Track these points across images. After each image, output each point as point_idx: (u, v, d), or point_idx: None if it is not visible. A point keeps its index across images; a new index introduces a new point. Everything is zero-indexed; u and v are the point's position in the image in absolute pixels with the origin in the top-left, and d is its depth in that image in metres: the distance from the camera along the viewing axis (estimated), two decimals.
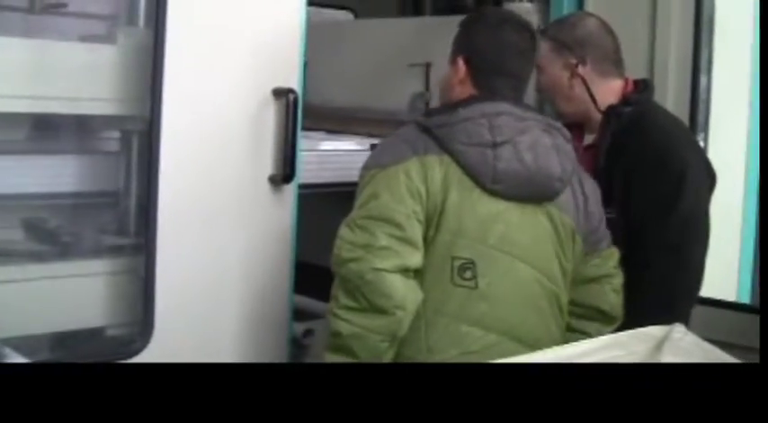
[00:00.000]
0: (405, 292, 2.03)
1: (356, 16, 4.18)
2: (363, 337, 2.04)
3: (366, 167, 2.18)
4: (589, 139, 2.51)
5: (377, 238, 2.04)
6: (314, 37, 2.56)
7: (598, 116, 2.45)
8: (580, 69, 2.44)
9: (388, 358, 2.07)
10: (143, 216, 2.27)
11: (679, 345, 1.61)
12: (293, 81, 2.45)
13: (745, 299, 3.19)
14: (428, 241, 2.09)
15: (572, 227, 2.19)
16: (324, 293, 3.15)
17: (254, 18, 2.39)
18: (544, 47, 2.46)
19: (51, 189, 2.30)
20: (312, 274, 2.90)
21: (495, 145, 2.09)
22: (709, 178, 2.42)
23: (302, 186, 2.56)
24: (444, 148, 2.10)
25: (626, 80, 2.49)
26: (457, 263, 2.08)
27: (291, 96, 2.42)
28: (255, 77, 2.39)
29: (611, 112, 2.43)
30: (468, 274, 2.08)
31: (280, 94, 2.41)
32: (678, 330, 1.65)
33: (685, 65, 2.93)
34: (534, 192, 2.14)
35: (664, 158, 2.34)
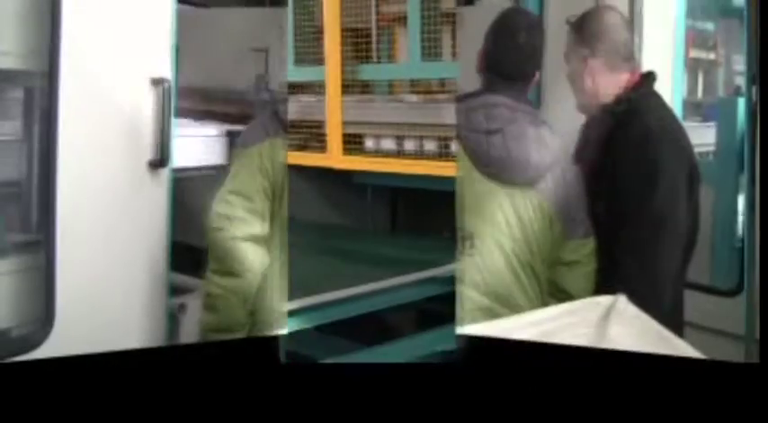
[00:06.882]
0: (253, 258, 2.42)
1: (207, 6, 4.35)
2: (223, 296, 2.43)
3: (234, 146, 2.56)
4: None
5: (234, 210, 2.41)
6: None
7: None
8: (590, 62, 2.52)
9: (242, 317, 2.45)
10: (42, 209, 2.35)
11: (623, 315, 1.80)
12: (166, 70, 2.58)
13: None
14: (274, 213, 2.45)
15: (549, 212, 2.37)
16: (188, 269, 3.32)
17: (127, 10, 2.50)
18: (569, 38, 2.59)
19: None
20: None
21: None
22: (690, 181, 2.39)
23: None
24: None
25: (632, 72, 2.54)
26: None
27: (165, 85, 2.55)
28: (135, 67, 2.51)
29: (603, 110, 2.51)
30: None
31: (157, 82, 2.54)
32: (622, 300, 1.84)
33: None
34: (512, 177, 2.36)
35: (641, 159, 2.36)
